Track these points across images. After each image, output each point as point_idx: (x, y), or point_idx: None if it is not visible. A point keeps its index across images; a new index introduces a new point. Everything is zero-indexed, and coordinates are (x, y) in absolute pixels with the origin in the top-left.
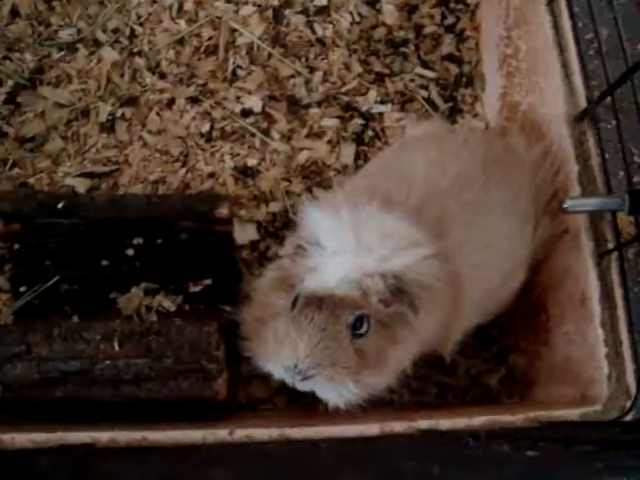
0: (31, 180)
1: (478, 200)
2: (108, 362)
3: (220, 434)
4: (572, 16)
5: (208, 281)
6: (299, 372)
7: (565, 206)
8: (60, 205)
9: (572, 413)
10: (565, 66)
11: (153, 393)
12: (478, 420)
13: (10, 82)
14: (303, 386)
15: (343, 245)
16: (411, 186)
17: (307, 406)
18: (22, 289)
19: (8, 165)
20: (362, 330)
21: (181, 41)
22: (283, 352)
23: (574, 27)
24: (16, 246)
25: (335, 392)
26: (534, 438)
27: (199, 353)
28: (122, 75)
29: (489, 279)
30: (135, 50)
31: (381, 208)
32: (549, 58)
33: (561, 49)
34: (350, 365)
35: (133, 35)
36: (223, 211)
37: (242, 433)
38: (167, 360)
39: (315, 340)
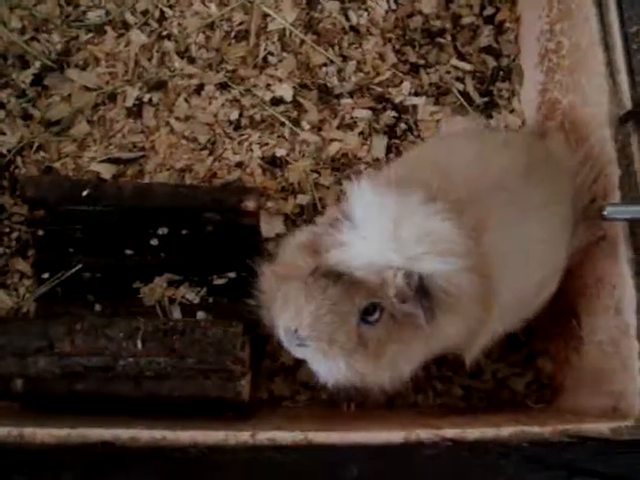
0: (56, 165)
1: (517, 202)
2: (130, 359)
3: (242, 436)
4: (621, 11)
5: (232, 274)
6: (297, 337)
7: (604, 213)
8: (85, 193)
9: (603, 427)
10: (610, 64)
11: (175, 391)
12: (507, 431)
13: (37, 64)
14: (297, 352)
15: (379, 231)
16: (452, 182)
17: (329, 405)
18: (45, 276)
19: (33, 149)
20: (372, 318)
21: (211, 25)
22: (288, 313)
23: (622, 23)
24: (40, 232)
25: (325, 367)
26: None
27: (223, 354)
28: (150, 59)
29: (523, 284)
30: (164, 33)
31: (424, 202)
32: (593, 55)
33: (607, 46)
34: (347, 347)
35: (163, 18)
36: (250, 204)
37: (264, 436)
38: (190, 360)
39: (321, 312)
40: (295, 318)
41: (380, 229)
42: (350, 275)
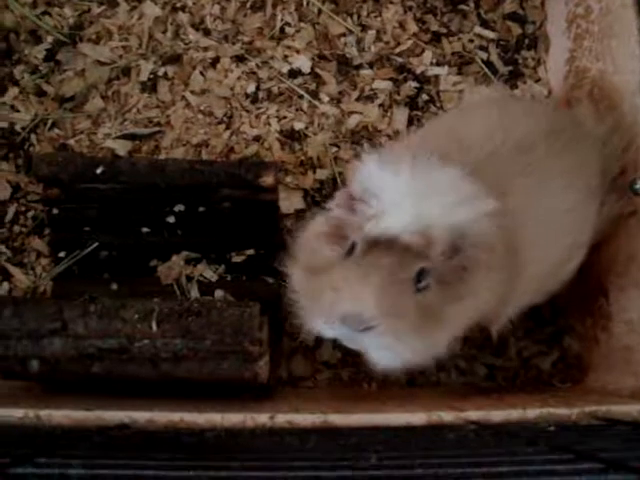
0: (71, 142)
1: (539, 166)
2: (146, 341)
3: (261, 419)
4: None
5: (251, 251)
6: (361, 321)
7: (636, 187)
8: (99, 170)
9: (632, 409)
10: None
11: (192, 373)
12: (533, 413)
13: (49, 38)
14: (357, 341)
15: (404, 195)
16: (470, 147)
17: (350, 384)
18: (61, 255)
19: (48, 125)
20: (423, 284)
21: None
22: (344, 299)
23: None
24: (55, 211)
25: (392, 349)
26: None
27: (241, 335)
28: (164, 32)
29: (548, 251)
30: (178, 5)
31: (439, 163)
32: (625, 19)
33: None
34: (414, 319)
35: None
36: (268, 179)
37: (283, 418)
38: (207, 341)
39: (382, 286)
40: (356, 300)
41: (405, 192)
42: (398, 242)
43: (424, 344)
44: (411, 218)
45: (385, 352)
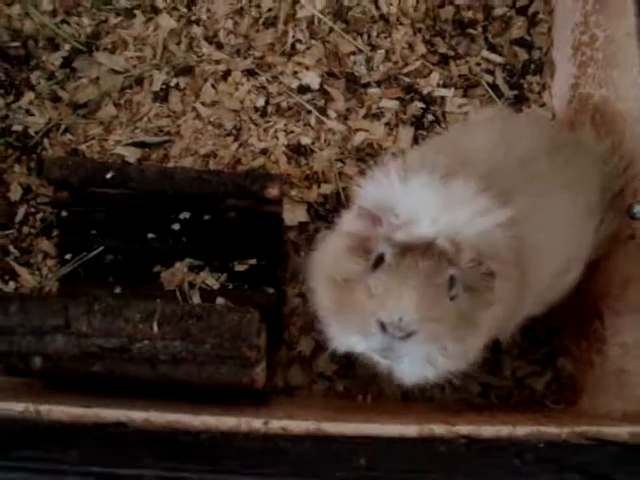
0: (82, 147)
1: (541, 179)
2: (146, 342)
3: (255, 424)
4: None
5: (253, 261)
6: (402, 327)
7: (634, 211)
8: (109, 175)
9: (622, 431)
10: None
11: (190, 375)
12: (523, 430)
13: (67, 46)
14: (392, 353)
15: (431, 204)
16: (473, 160)
17: (345, 396)
18: (67, 256)
19: (60, 130)
20: (453, 292)
21: (240, 11)
22: (384, 305)
23: None
24: (63, 213)
25: (425, 361)
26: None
27: (239, 340)
28: (178, 43)
29: (551, 262)
30: (193, 18)
31: (443, 178)
32: (628, 49)
33: None
34: (451, 324)
35: (192, 3)
36: (274, 191)
37: (277, 425)
38: (206, 345)
39: (422, 289)
40: (397, 305)
41: (432, 201)
42: (433, 247)
43: (460, 350)
44: (442, 225)
45: (418, 364)
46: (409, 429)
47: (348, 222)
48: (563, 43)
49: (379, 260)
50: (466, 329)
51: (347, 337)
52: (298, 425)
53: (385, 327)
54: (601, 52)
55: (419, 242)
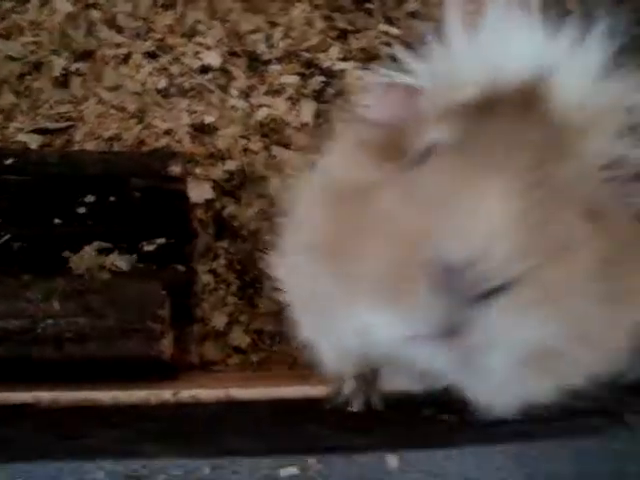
0: None
1: None
2: (50, 321)
3: (164, 395)
4: None
5: (162, 240)
6: (489, 273)
7: None
8: (9, 161)
9: None
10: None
11: (97, 352)
12: None
13: None
14: (464, 337)
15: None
16: None
17: (260, 369)
18: None
19: None
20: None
21: None
22: (455, 226)
23: None
24: None
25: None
26: None
27: (142, 312)
28: (77, 28)
29: None
30: (90, 2)
31: None
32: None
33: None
34: (587, 271)
35: None
36: (176, 169)
37: (187, 394)
38: (109, 319)
39: (528, 192)
40: (475, 226)
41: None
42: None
43: (603, 331)
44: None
45: (512, 373)
46: (317, 389)
47: (372, 108)
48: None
49: (426, 154)
50: (615, 291)
51: (357, 314)
52: (208, 393)
53: (452, 275)
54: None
55: (505, 100)
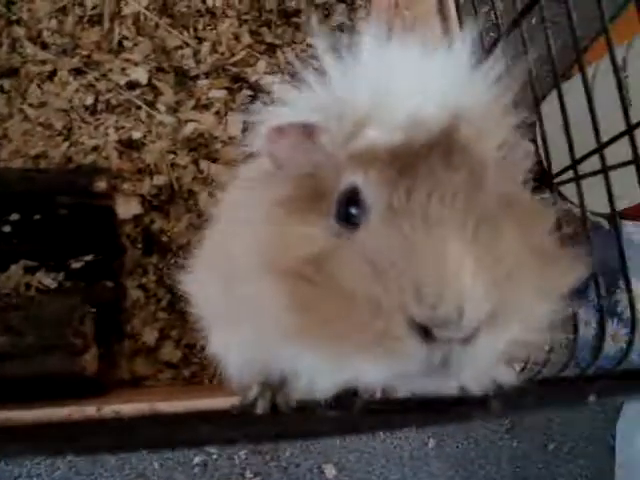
0: None
1: None
2: None
3: (88, 411)
4: None
5: (89, 257)
6: (465, 324)
7: None
8: None
9: None
10: (448, 33)
11: (18, 371)
12: None
13: None
14: (451, 366)
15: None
16: None
17: (191, 383)
18: None
19: None
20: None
21: (63, 10)
22: (425, 288)
23: None
24: None
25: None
26: None
27: (63, 328)
28: (0, 45)
29: None
30: (13, 18)
31: None
32: (434, 25)
33: (444, 16)
34: (530, 272)
35: (10, 2)
36: (101, 184)
37: (110, 409)
38: (29, 337)
39: (480, 235)
40: (446, 284)
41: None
42: (454, 139)
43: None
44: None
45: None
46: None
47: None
48: (380, 26)
49: (349, 199)
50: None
51: (340, 368)
52: (133, 408)
53: (430, 331)
54: (410, 31)
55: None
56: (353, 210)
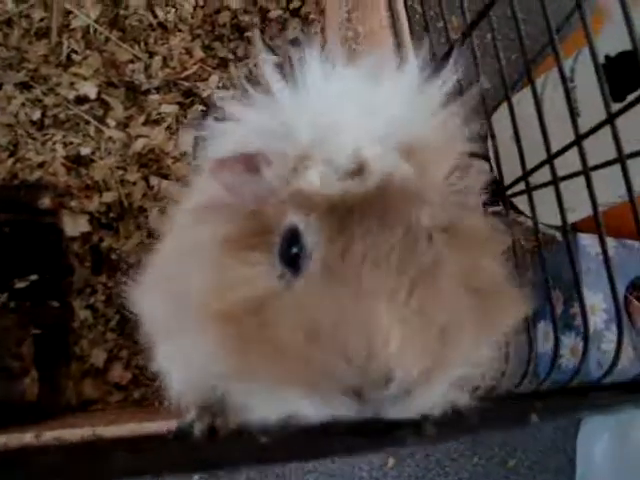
0: None
1: None
2: None
3: (26, 438)
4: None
5: (34, 276)
6: (398, 387)
7: None
8: None
9: None
10: (400, 46)
11: None
12: None
13: None
14: (388, 410)
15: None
16: None
17: (140, 405)
18: None
19: None
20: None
21: (9, 22)
22: (354, 354)
23: (406, 8)
24: None
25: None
26: None
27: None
28: None
29: None
30: None
31: None
32: (385, 39)
33: (396, 31)
34: (467, 314)
35: None
36: (46, 201)
37: (50, 435)
38: None
39: (411, 290)
40: (375, 354)
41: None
42: (389, 184)
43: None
44: (362, 137)
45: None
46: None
47: (206, 188)
48: (333, 40)
49: (291, 240)
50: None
51: (278, 404)
52: (73, 433)
53: (362, 394)
54: (363, 45)
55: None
56: (295, 249)
